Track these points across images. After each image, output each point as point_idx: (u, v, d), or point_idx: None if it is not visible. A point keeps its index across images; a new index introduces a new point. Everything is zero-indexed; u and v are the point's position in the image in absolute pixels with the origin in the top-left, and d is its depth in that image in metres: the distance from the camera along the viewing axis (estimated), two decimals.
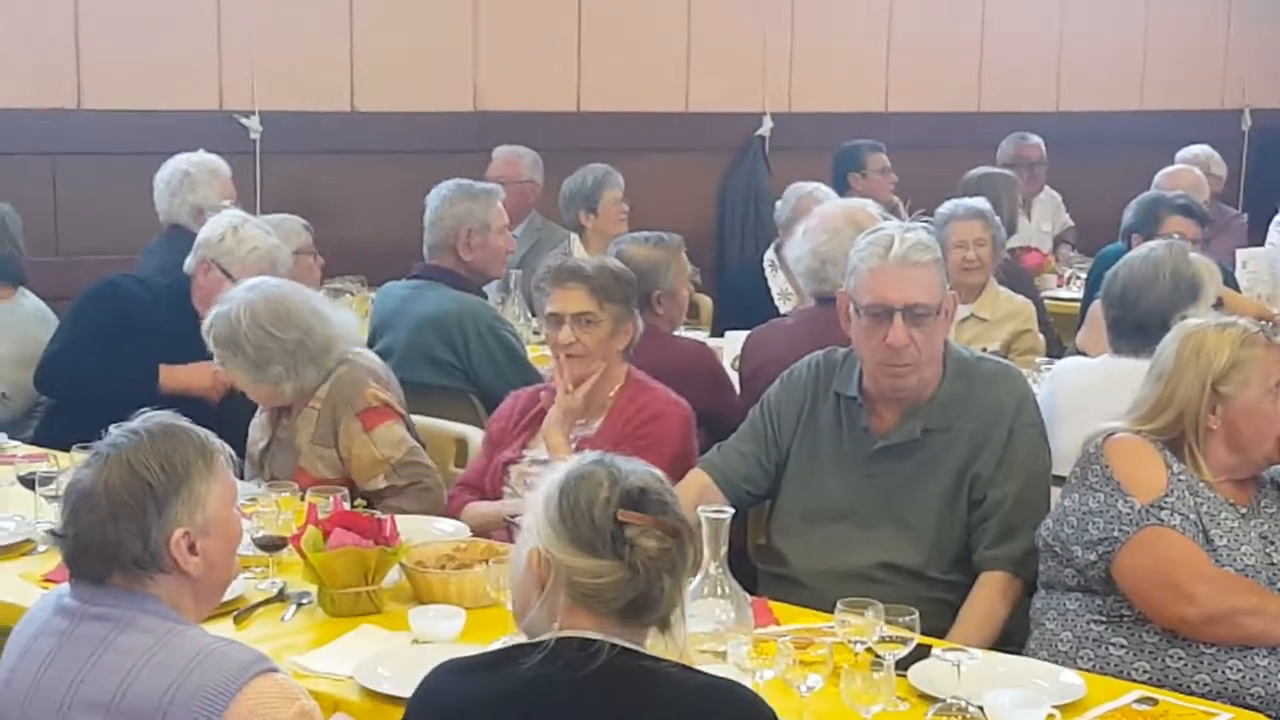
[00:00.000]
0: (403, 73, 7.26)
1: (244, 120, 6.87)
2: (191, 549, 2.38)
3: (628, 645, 2.27)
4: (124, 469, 2.36)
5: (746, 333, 4.93)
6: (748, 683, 2.65)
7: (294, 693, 2.34)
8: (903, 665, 2.78)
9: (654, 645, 2.32)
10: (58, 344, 4.88)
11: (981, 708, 2.58)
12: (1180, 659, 3.12)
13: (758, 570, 3.74)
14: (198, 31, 6.78)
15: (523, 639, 2.36)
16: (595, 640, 2.25)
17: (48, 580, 3.33)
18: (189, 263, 4.81)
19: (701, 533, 2.84)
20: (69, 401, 4.74)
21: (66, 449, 3.82)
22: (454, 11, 7.43)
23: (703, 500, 3.38)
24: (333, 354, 4.03)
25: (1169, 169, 7.28)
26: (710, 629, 2.93)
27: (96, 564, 2.37)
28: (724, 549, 2.98)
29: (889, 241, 3.51)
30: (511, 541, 3.74)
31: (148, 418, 2.45)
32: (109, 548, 2.35)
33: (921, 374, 3.54)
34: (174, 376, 4.62)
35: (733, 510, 3.06)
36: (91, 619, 2.36)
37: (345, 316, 4.26)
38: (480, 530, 3.89)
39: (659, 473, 2.36)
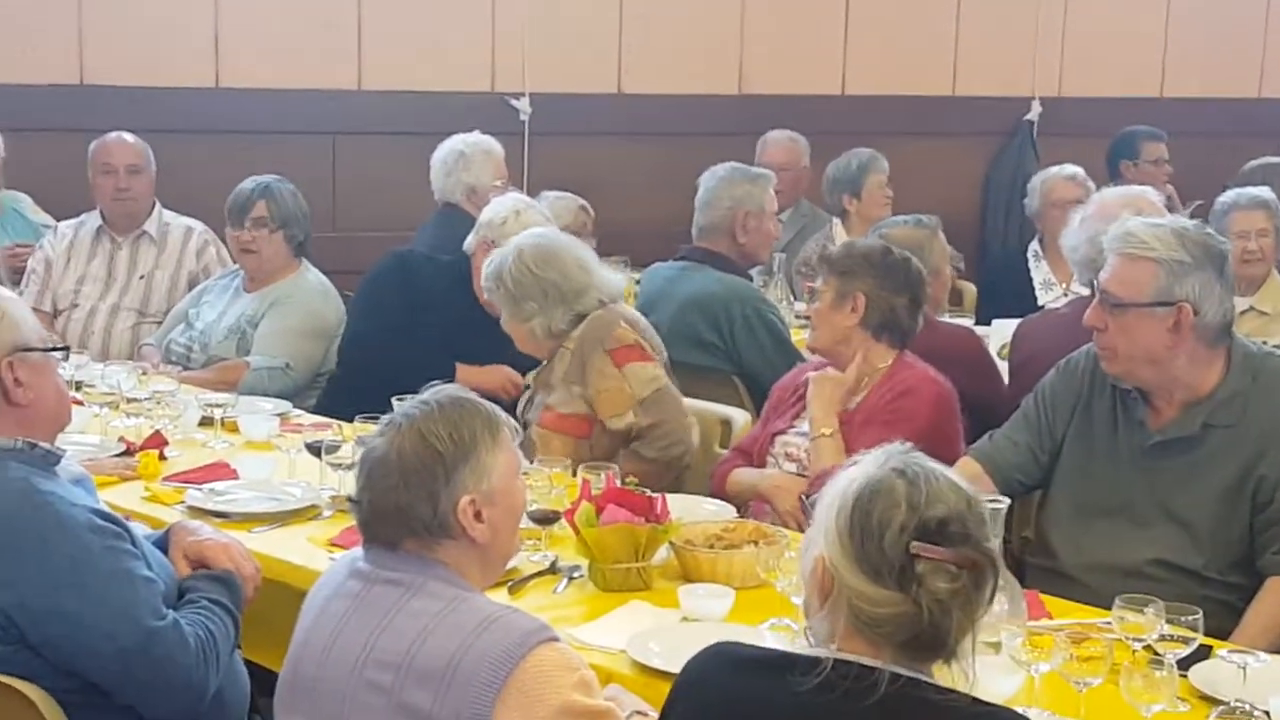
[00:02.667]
0: (670, 56, 7.32)
1: (514, 102, 7.01)
2: (478, 516, 2.46)
3: (910, 675, 2.10)
4: (415, 437, 2.44)
5: (1014, 321, 4.85)
6: (1023, 676, 2.62)
7: (574, 662, 2.39)
8: (1183, 665, 2.71)
9: (940, 671, 2.15)
10: (358, 319, 5.03)
11: (1268, 713, 2.50)
12: None
13: (1024, 564, 3.69)
14: (472, 15, 6.95)
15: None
16: (874, 669, 2.09)
17: (334, 545, 3.44)
18: (470, 242, 4.92)
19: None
20: (360, 374, 4.86)
21: (348, 419, 3.97)
22: None
23: (974, 489, 3.35)
24: (584, 300, 4.19)
25: None
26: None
27: (389, 529, 2.46)
28: (999, 539, 2.95)
29: (1118, 226, 3.49)
30: (767, 516, 3.82)
31: (438, 390, 2.53)
32: (400, 513, 2.43)
33: (1127, 367, 3.46)
34: (469, 376, 4.71)
35: (1009, 500, 3.02)
36: (384, 583, 2.45)
37: (611, 275, 4.35)
38: (738, 497, 3.94)
39: (967, 490, 2.18)
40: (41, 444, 2.75)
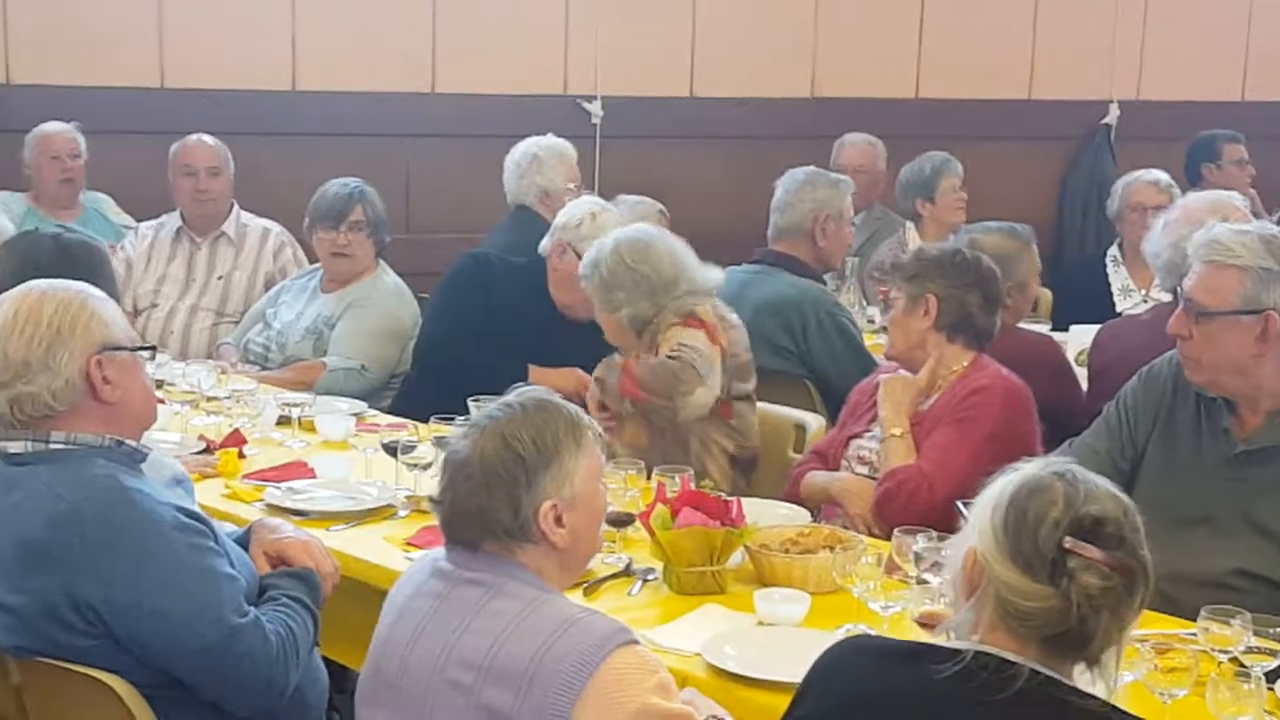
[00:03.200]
0: (742, 59, 7.31)
1: (586, 105, 7.03)
2: (558, 521, 2.46)
3: (1050, 674, 2.10)
4: (498, 441, 2.45)
5: (1092, 327, 4.81)
6: (1107, 685, 2.59)
7: (653, 665, 2.39)
8: (1270, 678, 2.67)
9: (1080, 677, 2.15)
10: (434, 321, 5.04)
11: None
12: None
13: None
14: (546, 19, 6.98)
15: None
16: (1014, 663, 2.09)
17: (409, 544, 3.47)
18: (545, 244, 4.93)
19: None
20: (435, 376, 4.87)
21: (424, 420, 3.99)
22: None
23: None
24: (672, 292, 4.23)
25: None
26: None
27: (470, 531, 2.47)
28: None
29: (1204, 233, 3.46)
30: (839, 519, 3.82)
31: (521, 392, 2.53)
32: (482, 516, 2.45)
33: (1211, 376, 3.43)
34: (542, 377, 4.70)
35: None
36: (465, 583, 2.47)
37: (707, 271, 4.36)
38: (810, 500, 3.93)
39: (1124, 498, 2.17)
40: (128, 441, 2.78)
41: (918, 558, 3.01)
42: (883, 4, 7.64)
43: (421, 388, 4.92)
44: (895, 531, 3.14)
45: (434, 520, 3.52)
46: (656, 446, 4.18)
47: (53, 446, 2.72)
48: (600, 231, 4.71)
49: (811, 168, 5.34)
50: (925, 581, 2.98)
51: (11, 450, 2.73)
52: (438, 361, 4.92)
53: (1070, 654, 2.13)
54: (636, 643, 2.41)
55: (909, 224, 6.65)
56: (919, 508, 3.61)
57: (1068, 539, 2.09)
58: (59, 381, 2.70)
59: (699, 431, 4.23)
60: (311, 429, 4.35)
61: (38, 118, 5.97)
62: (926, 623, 2.80)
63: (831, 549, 3.28)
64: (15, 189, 6.02)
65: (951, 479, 3.56)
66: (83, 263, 3.36)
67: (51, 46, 6.21)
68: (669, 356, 4.15)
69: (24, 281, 2.84)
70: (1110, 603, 2.10)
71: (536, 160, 5.90)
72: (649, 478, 3.66)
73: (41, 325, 2.71)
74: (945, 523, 2.99)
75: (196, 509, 2.81)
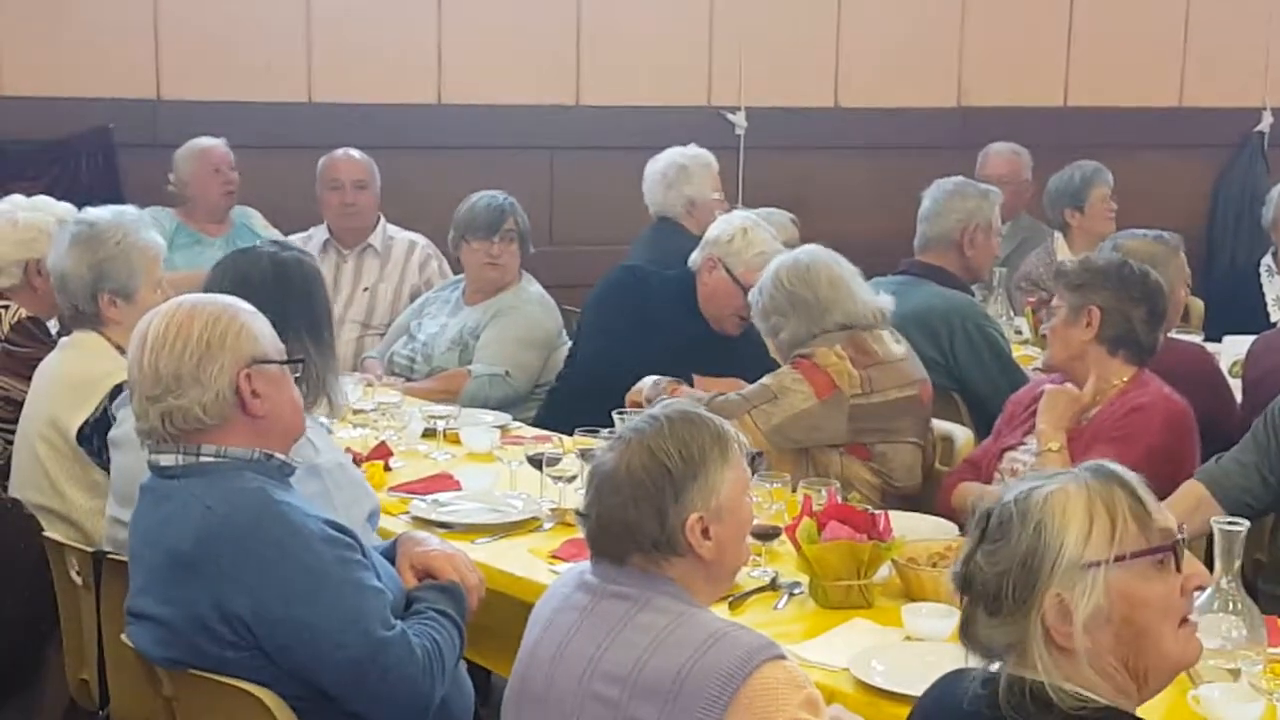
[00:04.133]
0: (887, 69, 7.26)
1: (730, 115, 7.02)
2: (705, 533, 2.45)
3: None
4: (644, 453, 2.44)
5: (1247, 338, 4.69)
6: (1263, 704, 2.52)
7: (801, 681, 2.36)
8: None
9: None
10: (591, 336, 5.01)
11: None
12: None
13: (1256, 588, 3.56)
14: (690, 30, 6.98)
15: None
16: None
17: (554, 557, 3.46)
18: (695, 258, 4.88)
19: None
20: (585, 388, 4.85)
21: (567, 432, 3.98)
22: (941, 7, 7.38)
23: (1199, 513, 3.29)
24: (827, 319, 4.16)
25: None
26: (1218, 645, 2.79)
27: (616, 544, 2.46)
28: (1237, 563, 2.84)
29: None
30: None
31: (667, 404, 2.52)
32: (628, 529, 2.43)
33: None
34: (706, 386, 4.69)
35: (1247, 522, 2.91)
36: (611, 596, 2.46)
37: (867, 298, 4.26)
38: (961, 512, 3.86)
39: None
40: (277, 455, 2.81)
41: None
42: (1030, 11, 7.53)
43: (564, 399, 4.93)
44: None
45: (579, 533, 3.56)
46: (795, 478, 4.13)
47: (203, 460, 2.75)
48: (751, 248, 4.68)
49: (960, 178, 5.28)
50: None
51: (163, 464, 2.77)
52: (593, 374, 4.86)
53: None
54: (784, 657, 2.38)
55: (1057, 234, 6.54)
56: None
57: None
58: (209, 395, 2.73)
59: (837, 468, 4.15)
60: (456, 441, 4.38)
61: (187, 134, 6.08)
62: None
63: None
64: (163, 204, 6.13)
65: None
66: (296, 279, 3.34)
67: (201, 63, 6.33)
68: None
69: (239, 297, 2.90)
70: None
71: (684, 171, 5.90)
72: (794, 491, 3.63)
73: (192, 340, 2.74)
74: None
75: (339, 520, 2.82)
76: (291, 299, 3.28)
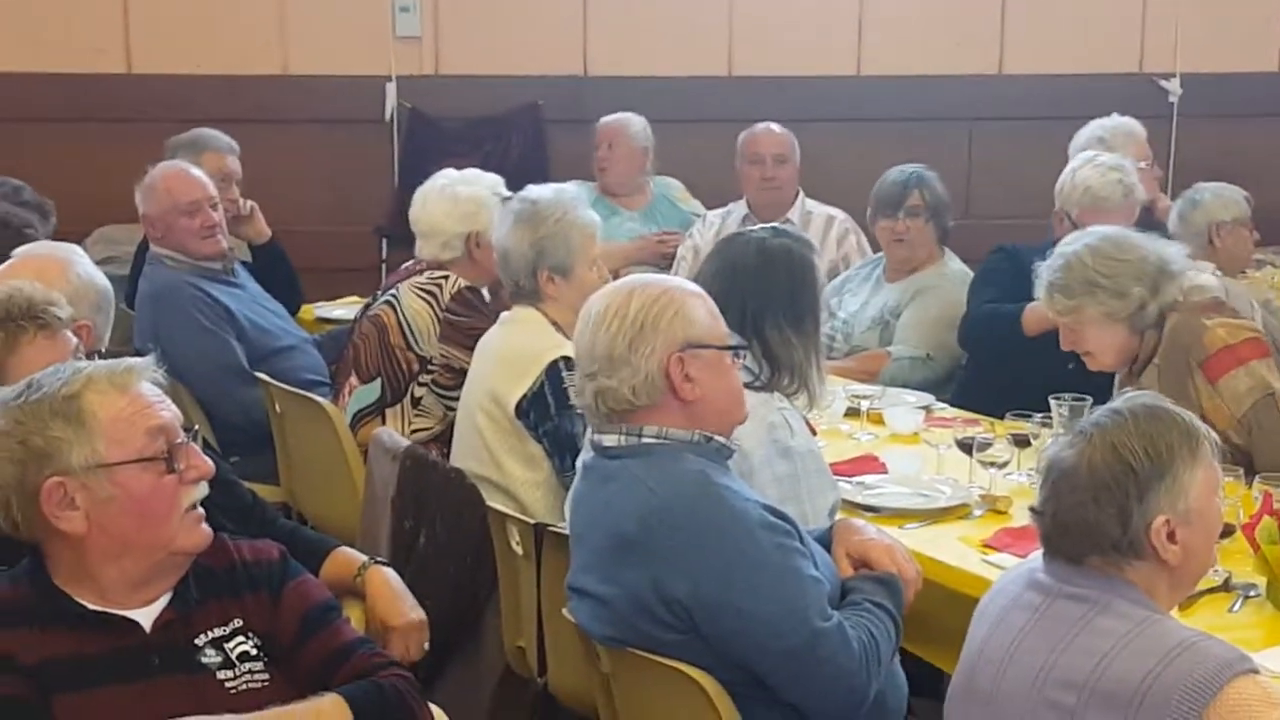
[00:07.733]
0: None
1: (1164, 83, 6.70)
2: (1171, 538, 2.32)
3: None
4: (1107, 450, 2.31)
5: None
6: None
7: (1276, 698, 2.20)
8: None
9: None
10: (974, 307, 4.93)
11: None
12: None
13: None
14: None
15: None
16: None
17: (986, 546, 3.36)
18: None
19: None
20: (989, 369, 4.77)
21: (987, 413, 3.85)
22: None
23: None
24: (1167, 270, 3.77)
25: None
26: None
27: (1074, 544, 2.35)
28: None
29: None
30: None
31: (1130, 397, 2.40)
32: (1088, 529, 2.32)
33: None
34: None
35: None
36: (1067, 598, 2.35)
37: (1168, 249, 3.89)
38: None
39: None
40: (717, 437, 2.78)
41: None
42: None
43: (979, 378, 4.82)
44: None
45: (1011, 522, 3.46)
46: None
47: (645, 440, 2.74)
48: (1078, 189, 4.61)
49: None
50: None
51: (606, 444, 2.79)
52: (970, 346, 4.84)
53: None
54: (1257, 672, 2.23)
55: None
56: None
57: None
58: (639, 377, 2.72)
59: None
60: (879, 421, 4.30)
61: (610, 108, 6.18)
62: None
63: None
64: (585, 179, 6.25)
65: None
66: (780, 267, 3.31)
67: (624, 39, 6.43)
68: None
69: (723, 283, 3.01)
70: None
71: (1101, 144, 5.65)
72: (1249, 484, 3.41)
73: (627, 321, 2.74)
74: None
75: (777, 507, 2.79)
76: (775, 286, 3.25)
